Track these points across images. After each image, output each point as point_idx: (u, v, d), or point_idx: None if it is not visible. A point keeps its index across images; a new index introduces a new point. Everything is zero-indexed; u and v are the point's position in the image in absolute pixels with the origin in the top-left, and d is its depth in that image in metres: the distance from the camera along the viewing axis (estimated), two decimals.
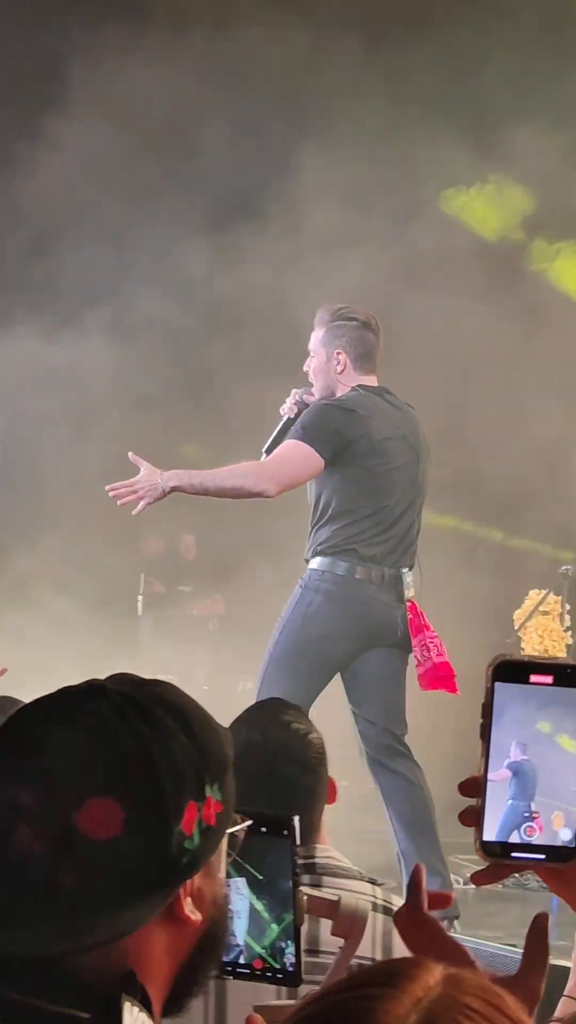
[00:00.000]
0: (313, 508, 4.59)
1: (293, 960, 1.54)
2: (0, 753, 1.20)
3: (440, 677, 4.46)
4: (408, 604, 4.51)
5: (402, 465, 4.55)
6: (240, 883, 1.49)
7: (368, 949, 1.91)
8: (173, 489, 4.41)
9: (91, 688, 1.22)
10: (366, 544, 4.46)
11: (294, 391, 4.71)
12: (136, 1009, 1.12)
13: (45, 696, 1.24)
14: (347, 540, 4.47)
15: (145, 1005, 1.14)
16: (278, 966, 1.52)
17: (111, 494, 4.47)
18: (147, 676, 1.29)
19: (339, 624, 4.45)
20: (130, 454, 4.53)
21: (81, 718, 1.19)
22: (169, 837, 1.15)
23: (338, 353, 4.57)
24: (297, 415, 4.62)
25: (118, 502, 4.48)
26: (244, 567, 8.95)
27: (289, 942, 1.53)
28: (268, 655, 4.52)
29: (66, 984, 1.12)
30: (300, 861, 1.62)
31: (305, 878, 2.11)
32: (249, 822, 1.35)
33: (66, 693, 1.23)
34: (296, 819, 1.56)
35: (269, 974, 1.53)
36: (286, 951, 1.53)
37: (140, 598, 9.33)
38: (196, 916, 1.19)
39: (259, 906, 1.53)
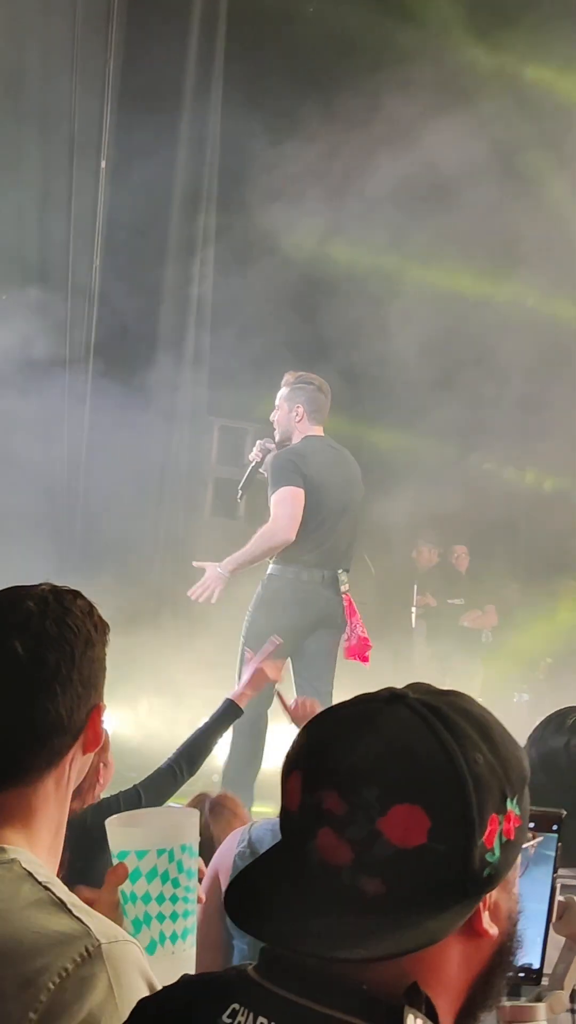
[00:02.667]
0: None
1: (540, 959, 1.53)
2: (306, 758, 1.19)
3: (360, 650, 5.77)
4: (344, 596, 5.85)
5: (337, 496, 5.90)
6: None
7: None
8: (232, 572, 5.80)
9: (392, 696, 1.20)
10: (308, 553, 5.81)
11: (259, 441, 6.10)
12: (420, 1022, 1.10)
13: (344, 703, 1.22)
14: (294, 551, 5.79)
15: (431, 1018, 1.11)
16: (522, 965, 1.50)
17: (193, 598, 5.86)
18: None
19: (289, 613, 5.75)
20: (194, 563, 5.99)
21: (385, 725, 1.16)
22: (473, 849, 1.13)
23: (298, 407, 5.98)
24: (261, 460, 6.07)
25: (199, 601, 5.86)
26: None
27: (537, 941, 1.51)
28: (242, 640, 5.69)
29: (350, 992, 1.11)
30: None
31: None
32: (540, 839, 1.35)
33: (366, 700, 1.21)
34: (564, 815, 1.53)
35: (511, 973, 1.43)
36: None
37: (414, 610, 9.32)
38: (493, 930, 1.18)
39: None
